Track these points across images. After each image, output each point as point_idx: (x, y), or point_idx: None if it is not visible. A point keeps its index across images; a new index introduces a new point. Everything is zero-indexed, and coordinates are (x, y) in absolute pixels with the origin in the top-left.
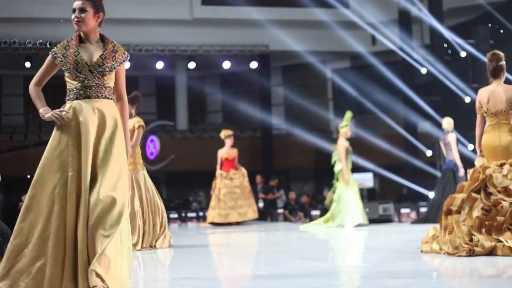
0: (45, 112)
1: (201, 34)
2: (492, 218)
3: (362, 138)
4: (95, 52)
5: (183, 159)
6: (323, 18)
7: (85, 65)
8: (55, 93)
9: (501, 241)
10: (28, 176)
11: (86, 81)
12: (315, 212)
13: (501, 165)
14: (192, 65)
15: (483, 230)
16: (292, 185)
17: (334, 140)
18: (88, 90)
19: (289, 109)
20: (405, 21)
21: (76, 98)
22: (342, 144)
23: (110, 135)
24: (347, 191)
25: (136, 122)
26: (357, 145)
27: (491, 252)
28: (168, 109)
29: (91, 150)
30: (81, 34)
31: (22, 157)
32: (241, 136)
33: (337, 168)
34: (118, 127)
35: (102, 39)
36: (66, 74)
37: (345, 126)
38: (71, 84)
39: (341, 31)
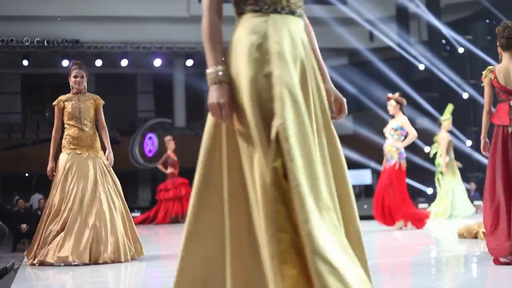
0: (215, 78)
1: (199, 31)
2: None
3: (360, 134)
4: None
5: (181, 156)
6: (320, 15)
7: None
8: (55, 93)
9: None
10: (27, 174)
11: None
12: None
13: None
14: (190, 62)
15: None
16: None
17: None
18: (290, 1)
19: None
20: (402, 17)
21: (275, 10)
22: (445, 136)
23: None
24: (455, 183)
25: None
26: (355, 142)
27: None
28: (166, 107)
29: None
30: None
31: (19, 155)
32: None
33: (442, 161)
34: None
35: None
36: None
37: (448, 119)
38: None
39: (339, 28)
